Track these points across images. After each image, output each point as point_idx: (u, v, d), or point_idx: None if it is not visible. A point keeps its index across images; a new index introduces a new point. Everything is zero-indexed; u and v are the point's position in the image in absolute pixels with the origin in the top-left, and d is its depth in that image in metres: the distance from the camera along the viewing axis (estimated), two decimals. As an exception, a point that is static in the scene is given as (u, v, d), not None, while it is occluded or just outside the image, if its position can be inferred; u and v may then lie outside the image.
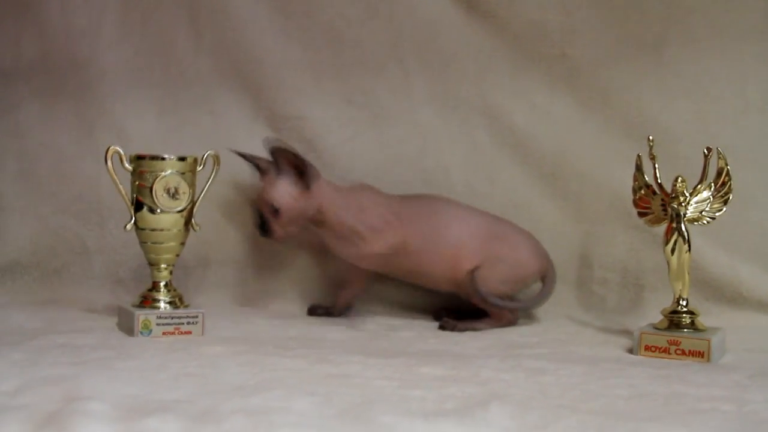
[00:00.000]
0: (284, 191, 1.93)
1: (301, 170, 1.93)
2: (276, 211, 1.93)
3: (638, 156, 1.88)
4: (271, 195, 1.93)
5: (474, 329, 1.97)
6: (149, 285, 1.87)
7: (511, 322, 2.02)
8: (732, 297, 2.10)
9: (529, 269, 2.05)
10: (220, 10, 2.26)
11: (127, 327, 1.80)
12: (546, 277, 2.06)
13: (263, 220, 1.95)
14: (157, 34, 2.29)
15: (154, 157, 1.83)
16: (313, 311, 2.11)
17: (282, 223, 1.94)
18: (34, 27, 2.29)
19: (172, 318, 1.79)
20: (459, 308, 2.06)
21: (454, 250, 1.99)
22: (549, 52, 2.21)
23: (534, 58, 2.21)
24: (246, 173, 2.23)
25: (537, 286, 2.09)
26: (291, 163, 1.93)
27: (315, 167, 1.96)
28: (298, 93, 2.24)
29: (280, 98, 2.26)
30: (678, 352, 1.71)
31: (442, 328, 1.97)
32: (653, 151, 1.84)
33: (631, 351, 1.76)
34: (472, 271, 1.96)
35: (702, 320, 1.78)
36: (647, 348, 1.74)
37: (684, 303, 1.79)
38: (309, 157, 2.01)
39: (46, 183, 2.26)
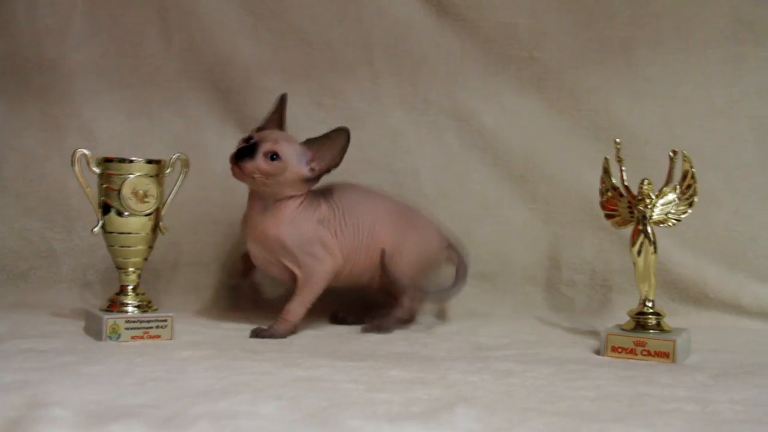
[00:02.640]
0: (297, 156, 1.84)
1: (329, 167, 1.86)
2: (273, 158, 1.82)
3: (605, 158, 1.89)
4: (284, 147, 1.83)
5: (393, 327, 1.96)
6: (117, 289, 1.85)
7: (417, 308, 2.03)
8: (698, 298, 2.13)
9: (438, 255, 2.05)
10: (189, 11, 2.25)
11: (94, 331, 1.79)
12: (458, 263, 2.05)
13: (251, 148, 1.83)
14: (125, 35, 2.27)
15: (121, 160, 1.81)
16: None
17: (266, 170, 1.82)
18: (-1, 26, 2.27)
19: (141, 322, 1.78)
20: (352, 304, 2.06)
21: (369, 235, 1.96)
22: (518, 54, 2.22)
23: (503, 61, 2.23)
24: (215, 176, 2.23)
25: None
26: (335, 155, 1.85)
27: None
28: (267, 95, 2.22)
29: (249, 100, 2.25)
30: (644, 352, 1.73)
31: (365, 331, 1.95)
32: (620, 153, 1.86)
33: (598, 352, 1.77)
34: (383, 257, 1.94)
35: (668, 321, 1.80)
36: (614, 349, 1.75)
37: (650, 304, 1.80)
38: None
39: (12, 185, 2.23)
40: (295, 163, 1.85)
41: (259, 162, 1.82)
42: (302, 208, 1.89)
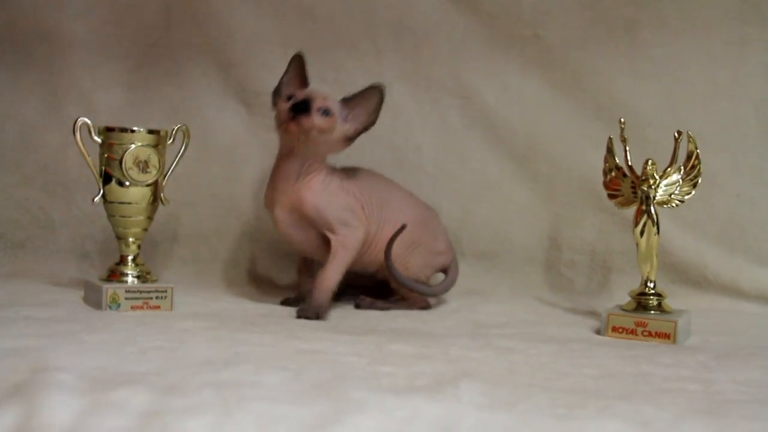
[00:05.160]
0: (341, 113, 1.84)
1: (366, 126, 1.85)
2: (327, 113, 1.80)
3: (609, 138, 1.88)
4: (333, 103, 1.82)
5: (388, 308, 1.95)
6: (116, 259, 1.84)
7: (425, 306, 1.99)
8: (697, 280, 2.13)
9: (442, 259, 2.03)
10: (190, -18, 2.23)
11: (94, 301, 1.78)
12: (449, 268, 2.04)
13: (306, 104, 1.79)
14: (126, 6, 2.25)
15: (123, 130, 1.80)
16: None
17: (322, 126, 1.80)
18: (-1, -5, 2.25)
19: (141, 292, 1.77)
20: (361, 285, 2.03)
21: (391, 223, 1.92)
22: (522, 33, 2.21)
23: (507, 39, 2.21)
24: (215, 148, 2.21)
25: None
26: (370, 112, 1.84)
27: None
28: (269, 69, 2.21)
29: (250, 74, 2.24)
30: (645, 333, 1.73)
31: (357, 306, 1.95)
32: (624, 133, 1.85)
33: (598, 332, 1.77)
34: (399, 231, 1.90)
35: (668, 303, 1.80)
36: (614, 329, 1.75)
37: (651, 285, 1.80)
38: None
39: (11, 154, 2.22)
40: (341, 120, 1.84)
41: (315, 118, 1.80)
42: (329, 176, 1.88)
